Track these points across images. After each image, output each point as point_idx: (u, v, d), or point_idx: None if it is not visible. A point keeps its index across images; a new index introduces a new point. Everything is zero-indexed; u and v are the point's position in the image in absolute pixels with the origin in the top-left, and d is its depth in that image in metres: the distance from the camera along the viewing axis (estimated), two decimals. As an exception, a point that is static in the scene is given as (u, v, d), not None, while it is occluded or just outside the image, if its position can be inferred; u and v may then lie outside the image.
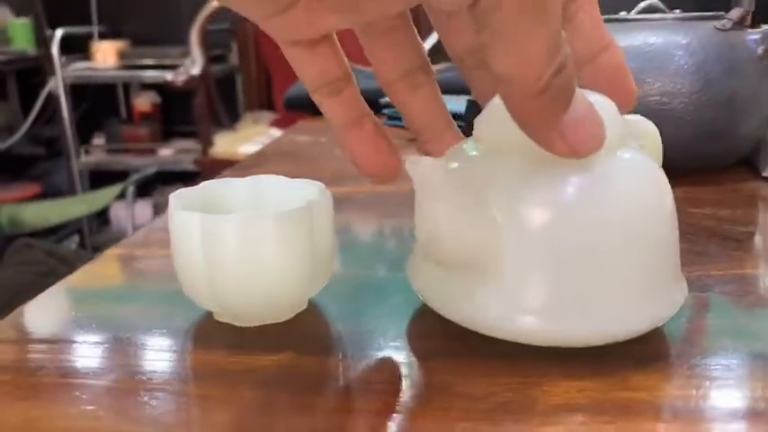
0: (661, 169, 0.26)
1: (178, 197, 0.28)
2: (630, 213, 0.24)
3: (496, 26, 0.19)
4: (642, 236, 0.24)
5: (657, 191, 0.26)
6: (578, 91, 0.21)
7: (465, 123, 0.52)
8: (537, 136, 0.21)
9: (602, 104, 0.26)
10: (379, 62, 0.27)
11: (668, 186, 0.26)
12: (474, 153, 0.26)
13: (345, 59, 0.26)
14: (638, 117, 0.28)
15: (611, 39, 0.25)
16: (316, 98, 0.26)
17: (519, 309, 0.24)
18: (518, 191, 0.24)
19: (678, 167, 0.26)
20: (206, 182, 0.31)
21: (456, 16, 0.26)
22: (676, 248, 0.26)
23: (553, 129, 0.21)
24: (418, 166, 0.25)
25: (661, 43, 0.50)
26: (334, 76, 0.25)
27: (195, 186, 0.30)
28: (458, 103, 0.63)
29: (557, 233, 0.24)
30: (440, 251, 0.25)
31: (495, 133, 0.26)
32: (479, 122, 0.26)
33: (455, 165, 0.26)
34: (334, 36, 0.25)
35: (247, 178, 0.32)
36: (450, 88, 1.00)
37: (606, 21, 0.25)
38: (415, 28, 0.27)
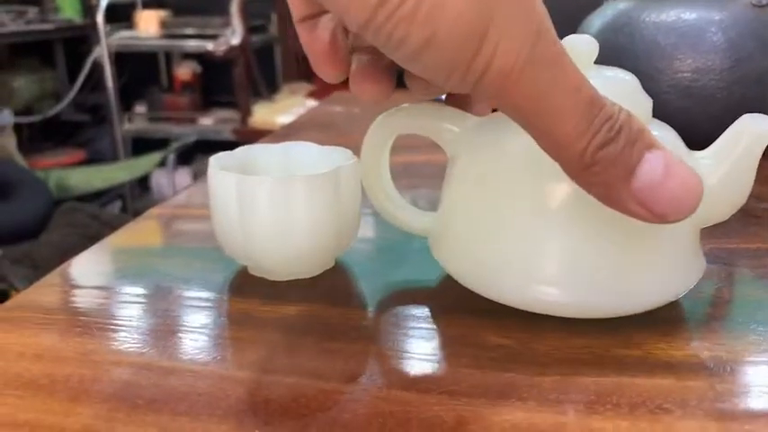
0: (685, 147, 0.27)
1: (217, 160, 0.31)
2: None
3: (515, 115, 0.20)
4: None
5: None
6: (656, 153, 0.20)
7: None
8: (608, 204, 0.21)
9: (625, 81, 0.27)
10: None
11: (694, 165, 0.26)
12: (496, 127, 0.27)
13: None
14: None
15: None
16: None
17: (537, 280, 0.25)
18: (536, 163, 0.25)
19: (707, 144, 0.27)
20: (242, 147, 0.33)
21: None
22: (695, 225, 0.27)
23: (622, 197, 0.20)
24: None
25: (694, 19, 0.50)
26: None
27: (233, 151, 0.32)
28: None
29: (577, 206, 0.24)
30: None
31: None
32: None
33: (480, 137, 0.27)
34: None
35: (281, 144, 0.34)
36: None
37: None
38: None
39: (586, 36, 0.26)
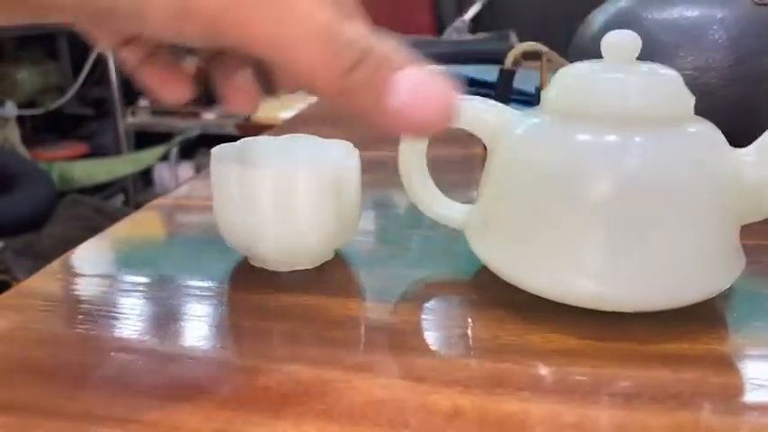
0: (727, 144, 0.27)
1: (219, 151, 0.31)
2: (692, 185, 0.25)
3: (258, 53, 0.20)
4: (702, 208, 0.25)
5: (720, 165, 0.26)
6: (407, 72, 0.21)
7: (495, 91, 0.53)
8: (373, 123, 0.21)
9: (667, 77, 0.27)
10: None
11: (737, 162, 0.26)
12: (537, 120, 0.28)
13: None
14: None
15: None
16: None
17: (577, 273, 0.25)
18: (578, 156, 0.25)
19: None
20: (245, 138, 0.33)
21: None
22: (736, 222, 0.27)
23: (383, 115, 0.21)
24: None
25: (696, 17, 0.50)
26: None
27: (235, 143, 0.33)
28: (491, 73, 0.64)
29: (618, 201, 0.25)
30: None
31: (562, 103, 0.27)
32: (547, 92, 0.28)
33: (521, 131, 0.28)
34: None
35: (283, 137, 0.34)
36: (489, 58, 0.99)
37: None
38: None
39: (629, 31, 0.27)
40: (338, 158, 0.30)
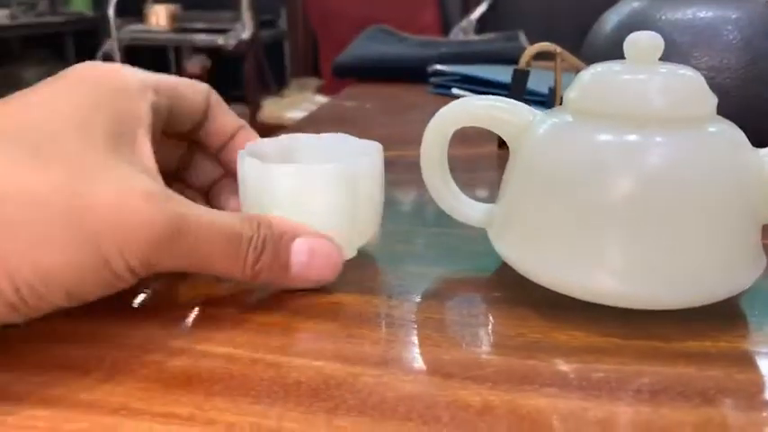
0: (749, 144, 0.27)
1: (253, 147, 0.32)
2: (714, 184, 0.25)
3: (186, 269, 0.26)
4: (724, 207, 0.26)
5: (741, 164, 0.26)
6: (299, 242, 0.27)
7: (508, 92, 0.53)
8: (284, 288, 0.28)
9: (689, 78, 0.27)
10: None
11: (758, 162, 0.26)
12: (560, 120, 0.28)
13: None
14: None
15: (243, 122, 0.34)
16: None
17: (601, 271, 0.25)
18: (600, 156, 0.26)
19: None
20: (279, 136, 0.34)
21: None
22: (758, 221, 0.27)
23: (288, 283, 0.28)
24: None
25: (710, 17, 0.50)
26: None
27: (269, 139, 0.34)
28: (505, 73, 0.64)
29: (640, 200, 0.25)
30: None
31: (584, 103, 0.27)
32: (569, 92, 0.28)
33: (543, 130, 0.28)
34: None
35: (313, 135, 0.34)
36: (498, 58, 0.99)
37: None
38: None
39: (651, 32, 0.27)
40: (360, 156, 0.30)
